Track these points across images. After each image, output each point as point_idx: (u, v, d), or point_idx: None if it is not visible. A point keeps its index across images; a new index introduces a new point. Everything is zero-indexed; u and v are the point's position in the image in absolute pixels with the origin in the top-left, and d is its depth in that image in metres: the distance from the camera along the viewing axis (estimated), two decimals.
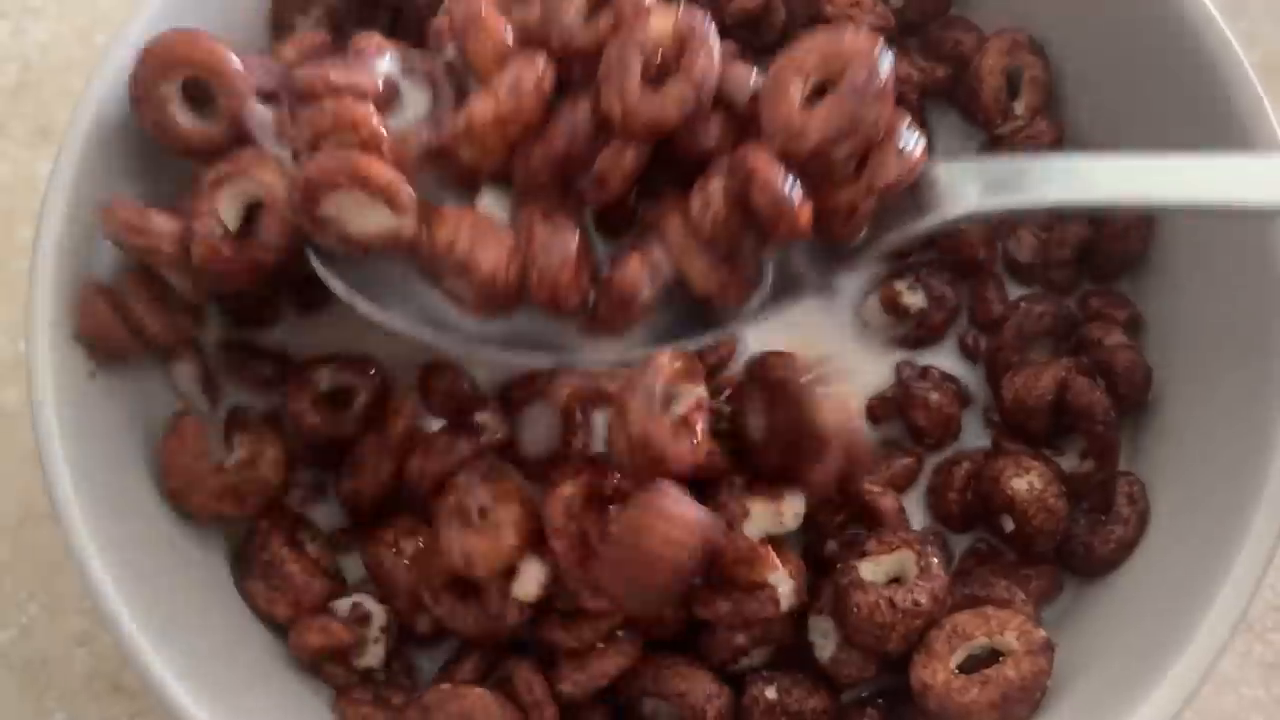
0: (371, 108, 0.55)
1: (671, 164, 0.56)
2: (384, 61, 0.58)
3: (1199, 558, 0.58)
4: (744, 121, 0.56)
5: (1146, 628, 0.58)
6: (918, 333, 0.68)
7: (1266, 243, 0.60)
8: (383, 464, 0.61)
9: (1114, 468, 0.64)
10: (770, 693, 0.59)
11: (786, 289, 0.58)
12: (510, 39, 0.56)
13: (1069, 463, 0.65)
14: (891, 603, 0.57)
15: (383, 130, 0.55)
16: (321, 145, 0.55)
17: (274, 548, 0.61)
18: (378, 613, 0.61)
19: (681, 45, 0.54)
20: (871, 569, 0.59)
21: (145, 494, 0.60)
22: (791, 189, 0.53)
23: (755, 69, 0.56)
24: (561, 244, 0.54)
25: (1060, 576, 0.64)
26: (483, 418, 0.62)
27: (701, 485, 0.60)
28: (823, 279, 0.58)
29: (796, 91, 0.54)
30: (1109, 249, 0.68)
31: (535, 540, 0.56)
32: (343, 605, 0.61)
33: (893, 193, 0.55)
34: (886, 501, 0.62)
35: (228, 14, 0.66)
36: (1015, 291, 0.69)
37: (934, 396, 0.66)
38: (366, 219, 0.54)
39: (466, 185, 0.57)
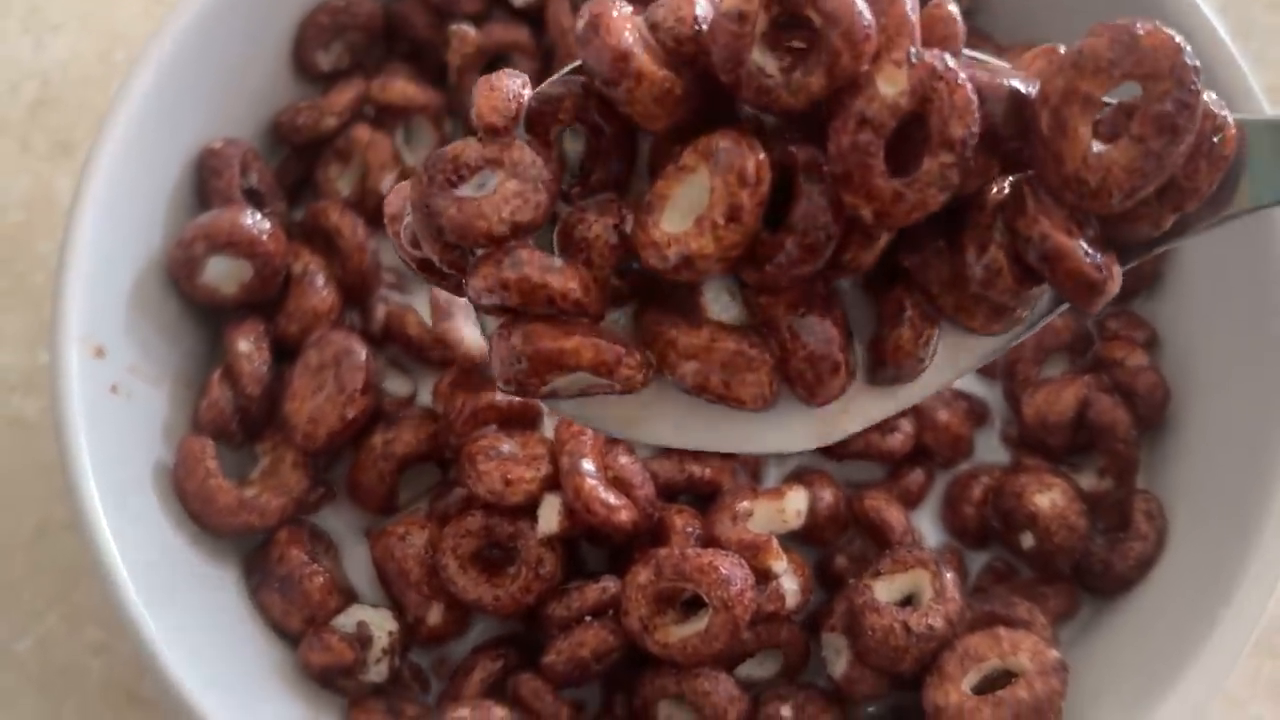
0: (558, 265, 0.45)
1: None
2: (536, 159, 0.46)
3: (1210, 575, 0.58)
4: (1007, 146, 0.44)
5: (1159, 645, 0.58)
6: None
7: None
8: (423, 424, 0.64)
9: (1132, 486, 0.64)
10: (786, 710, 0.59)
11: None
12: (675, 82, 0.44)
13: (1087, 480, 0.64)
14: (907, 627, 0.57)
15: (585, 296, 0.45)
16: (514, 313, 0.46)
17: (292, 563, 0.61)
18: (380, 635, 0.61)
19: (925, 101, 0.42)
20: (885, 588, 0.59)
21: (163, 503, 0.61)
22: (1102, 268, 0.43)
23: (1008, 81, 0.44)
24: (825, 348, 0.45)
25: (1078, 595, 0.64)
26: None
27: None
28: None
29: (1085, 131, 0.42)
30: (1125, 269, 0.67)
31: (552, 484, 0.60)
32: (347, 622, 0.61)
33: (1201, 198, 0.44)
34: (893, 515, 0.62)
35: (249, 46, 0.67)
36: None
37: (942, 415, 0.65)
38: (591, 380, 0.46)
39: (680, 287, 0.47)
